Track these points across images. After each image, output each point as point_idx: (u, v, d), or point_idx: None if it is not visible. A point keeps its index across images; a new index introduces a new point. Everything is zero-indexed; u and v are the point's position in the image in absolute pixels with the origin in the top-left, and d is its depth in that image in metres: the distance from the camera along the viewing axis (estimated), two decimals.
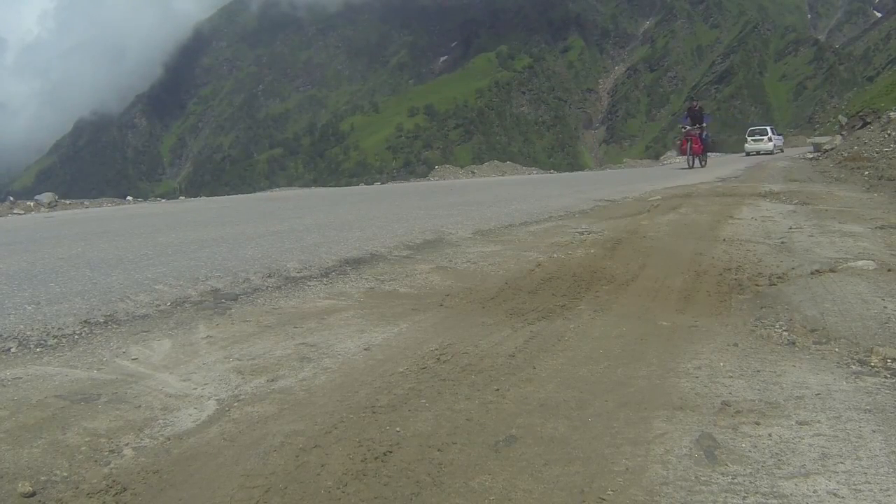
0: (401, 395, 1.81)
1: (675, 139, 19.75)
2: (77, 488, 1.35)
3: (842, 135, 19.40)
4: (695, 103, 19.92)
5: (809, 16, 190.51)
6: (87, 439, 1.56)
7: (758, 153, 39.50)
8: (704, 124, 18.73)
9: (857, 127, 18.23)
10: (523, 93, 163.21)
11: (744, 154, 40.31)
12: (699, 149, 18.86)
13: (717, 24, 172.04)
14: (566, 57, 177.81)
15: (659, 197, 7.90)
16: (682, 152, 19.48)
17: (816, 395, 1.78)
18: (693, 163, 18.84)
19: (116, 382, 1.92)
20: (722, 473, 1.37)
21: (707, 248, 4.02)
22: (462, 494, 1.31)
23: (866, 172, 10.62)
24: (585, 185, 11.65)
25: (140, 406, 1.76)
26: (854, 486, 1.31)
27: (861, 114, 18.70)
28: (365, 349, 2.22)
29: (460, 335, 2.35)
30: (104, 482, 1.37)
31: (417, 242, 4.34)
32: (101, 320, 2.50)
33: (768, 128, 43.65)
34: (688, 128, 18.76)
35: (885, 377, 1.90)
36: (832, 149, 17.59)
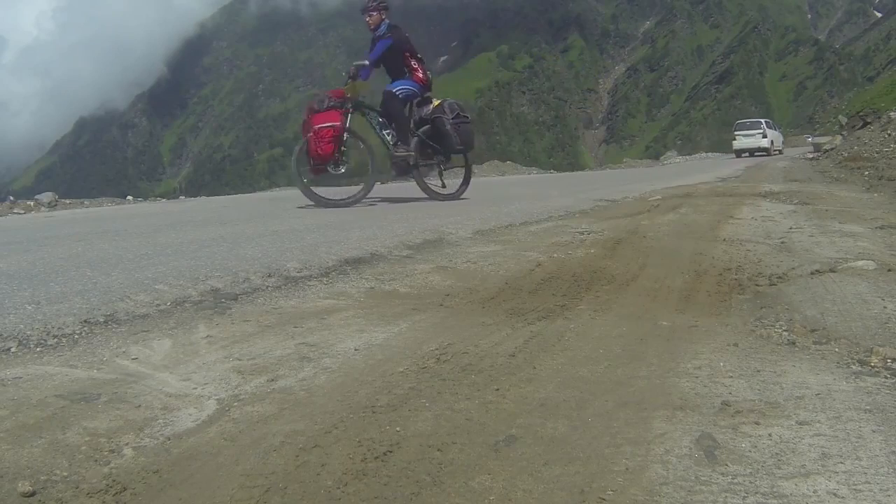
0: (401, 394, 1.81)
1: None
2: (77, 488, 1.35)
3: (842, 135, 19.39)
4: (373, 10, 7.36)
5: (809, 16, 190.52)
6: (87, 439, 1.56)
7: (751, 154, 30.90)
8: (421, 75, 7.56)
9: (857, 127, 18.23)
10: (523, 93, 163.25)
11: (733, 155, 31.52)
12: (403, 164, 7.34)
13: (717, 24, 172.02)
14: (566, 57, 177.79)
15: (659, 197, 7.91)
16: (316, 172, 7.14)
17: (816, 395, 1.77)
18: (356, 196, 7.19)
19: (116, 382, 1.92)
20: (722, 473, 1.37)
21: (707, 248, 4.02)
22: (462, 494, 1.31)
23: (866, 172, 10.63)
24: (578, 185, 11.64)
25: (140, 406, 1.76)
26: (854, 486, 1.30)
27: (861, 114, 18.70)
28: (365, 349, 2.22)
29: (460, 335, 2.35)
30: (104, 482, 1.37)
31: (417, 242, 4.34)
32: (102, 320, 2.50)
33: (762, 121, 33.73)
34: (328, 97, 7.03)
35: (885, 377, 1.90)
36: (832, 149, 17.59)
